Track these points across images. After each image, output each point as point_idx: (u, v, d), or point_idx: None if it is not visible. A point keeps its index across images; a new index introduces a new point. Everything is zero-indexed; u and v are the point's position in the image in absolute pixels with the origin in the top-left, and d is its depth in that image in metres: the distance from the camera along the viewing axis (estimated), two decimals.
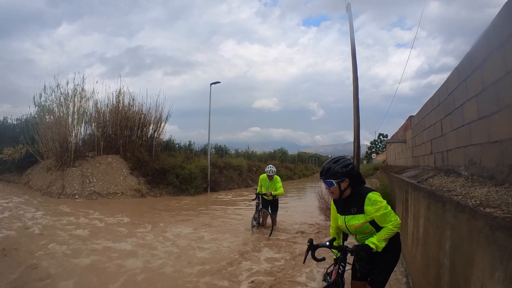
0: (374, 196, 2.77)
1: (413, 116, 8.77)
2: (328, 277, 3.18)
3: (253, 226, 8.09)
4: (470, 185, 2.84)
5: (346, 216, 2.92)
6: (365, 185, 3.02)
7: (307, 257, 3.03)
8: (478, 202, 2.07)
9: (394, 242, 2.81)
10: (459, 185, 3.03)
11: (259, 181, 8.37)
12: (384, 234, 2.66)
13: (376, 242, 2.63)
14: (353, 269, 2.94)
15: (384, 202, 2.76)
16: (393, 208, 6.96)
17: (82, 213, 10.21)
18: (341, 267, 2.97)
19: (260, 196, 8.17)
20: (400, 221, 2.71)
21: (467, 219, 1.96)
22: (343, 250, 3.00)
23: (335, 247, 3.08)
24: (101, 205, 12.27)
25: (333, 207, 3.15)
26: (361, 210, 2.80)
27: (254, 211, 8.40)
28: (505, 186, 2.30)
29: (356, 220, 2.84)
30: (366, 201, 2.76)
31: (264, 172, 8.24)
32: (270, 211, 8.12)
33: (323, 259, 3.09)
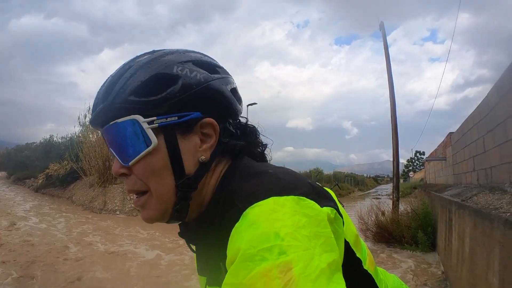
0: (266, 206, 0.49)
1: (452, 132, 8.57)
2: None
3: None
4: None
5: None
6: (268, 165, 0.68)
7: None
8: None
9: None
10: (505, 202, 2.98)
11: None
12: None
13: None
14: None
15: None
16: (435, 227, 6.82)
17: None
18: None
19: None
20: None
21: None
22: None
23: None
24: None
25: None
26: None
27: None
28: None
29: None
30: (235, 229, 0.50)
31: None
32: None
33: None
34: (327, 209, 0.52)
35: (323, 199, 0.55)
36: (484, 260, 2.76)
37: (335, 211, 0.54)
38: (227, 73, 0.68)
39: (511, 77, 3.47)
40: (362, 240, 0.68)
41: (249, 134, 0.72)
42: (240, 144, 0.66)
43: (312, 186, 0.56)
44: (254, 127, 0.75)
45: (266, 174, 0.58)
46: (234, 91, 0.68)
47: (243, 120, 0.73)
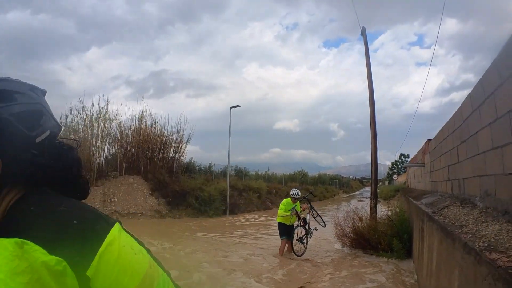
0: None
1: (431, 139, 8.61)
2: None
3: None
4: (483, 220, 2.76)
5: None
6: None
7: None
8: (486, 244, 2.01)
9: None
10: (472, 219, 2.95)
11: (283, 206, 7.69)
12: None
13: None
14: None
15: None
16: (411, 234, 6.77)
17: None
18: None
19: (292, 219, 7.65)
20: None
21: (473, 262, 1.91)
22: None
23: None
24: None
25: None
26: None
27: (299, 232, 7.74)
28: None
29: None
30: None
31: (289, 196, 7.83)
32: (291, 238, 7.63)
33: None
34: (52, 259, 0.51)
35: (64, 247, 0.53)
36: (447, 278, 2.72)
37: (64, 263, 0.52)
38: (30, 98, 0.68)
39: (483, 91, 3.44)
40: None
41: (62, 158, 0.71)
42: (30, 175, 0.64)
43: (64, 231, 0.55)
44: (70, 148, 0.74)
45: (28, 212, 0.58)
46: (36, 115, 0.67)
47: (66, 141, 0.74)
